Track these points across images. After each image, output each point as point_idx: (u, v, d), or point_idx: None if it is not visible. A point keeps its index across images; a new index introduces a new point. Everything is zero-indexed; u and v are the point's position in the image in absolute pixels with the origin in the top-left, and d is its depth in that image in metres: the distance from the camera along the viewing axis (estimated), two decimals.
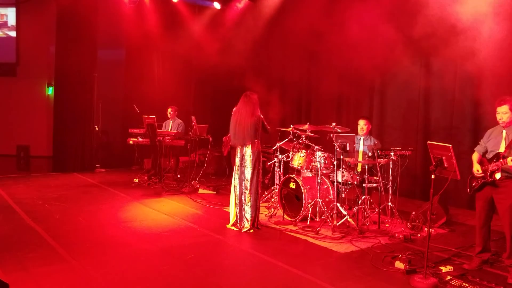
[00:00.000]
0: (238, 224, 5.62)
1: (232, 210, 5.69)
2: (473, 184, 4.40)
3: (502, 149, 4.24)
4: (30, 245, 4.73)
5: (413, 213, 5.75)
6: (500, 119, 4.27)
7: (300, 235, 5.42)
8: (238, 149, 5.65)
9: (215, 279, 4.02)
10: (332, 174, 6.17)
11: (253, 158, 5.59)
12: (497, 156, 4.19)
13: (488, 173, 4.22)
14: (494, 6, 5.87)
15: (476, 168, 4.33)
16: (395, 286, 3.95)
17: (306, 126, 6.44)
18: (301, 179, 6.05)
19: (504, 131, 4.29)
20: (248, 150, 5.60)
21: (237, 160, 5.65)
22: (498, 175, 4.15)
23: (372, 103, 8.49)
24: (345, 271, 4.29)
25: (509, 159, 3.97)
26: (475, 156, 4.48)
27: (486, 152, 4.44)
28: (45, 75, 10.87)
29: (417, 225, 5.63)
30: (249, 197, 5.58)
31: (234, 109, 5.74)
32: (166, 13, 10.82)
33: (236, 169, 5.66)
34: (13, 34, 11.20)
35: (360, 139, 6.38)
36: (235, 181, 5.67)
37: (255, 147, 5.61)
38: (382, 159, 5.80)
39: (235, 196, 5.66)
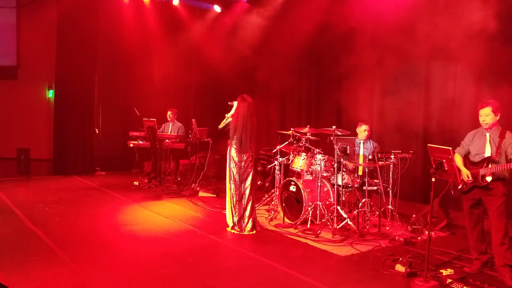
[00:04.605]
0: (236, 227, 5.62)
1: (231, 213, 5.69)
2: (459, 187, 4.38)
3: (488, 152, 4.26)
4: (30, 248, 4.74)
5: (414, 216, 5.75)
6: (483, 121, 4.30)
7: (300, 238, 5.41)
8: (236, 153, 5.65)
9: (215, 282, 4.01)
10: (333, 177, 6.17)
11: (251, 160, 5.69)
12: (487, 160, 4.22)
13: (480, 177, 4.23)
14: (495, 10, 5.89)
15: (466, 173, 4.30)
16: None
17: (306, 129, 6.45)
18: (301, 182, 6.05)
19: (487, 134, 4.31)
20: (248, 154, 5.65)
21: (237, 162, 5.65)
22: (489, 178, 4.20)
23: (372, 106, 8.50)
24: (345, 274, 4.29)
25: None
26: (459, 159, 4.46)
27: (467, 154, 4.46)
28: (46, 78, 10.87)
29: (417, 228, 5.63)
30: (249, 198, 5.62)
31: (233, 112, 5.74)
32: (167, 17, 10.85)
33: (235, 172, 5.66)
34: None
35: (360, 142, 6.39)
36: (235, 184, 5.66)
37: (253, 151, 5.71)
38: (382, 162, 5.81)
39: (235, 198, 5.65)
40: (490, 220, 4.28)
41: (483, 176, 4.22)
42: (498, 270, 4.23)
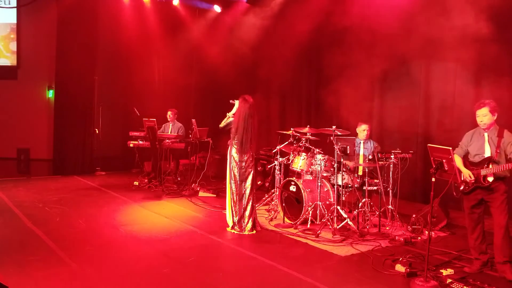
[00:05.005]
0: (236, 227, 5.62)
1: (231, 212, 5.69)
2: (461, 188, 4.40)
3: (487, 152, 4.28)
4: (30, 248, 4.73)
5: (414, 216, 5.75)
6: (481, 121, 4.32)
7: (300, 238, 5.41)
8: (237, 153, 5.65)
9: (216, 282, 4.01)
10: (333, 177, 6.17)
11: (252, 160, 5.71)
12: (488, 160, 4.24)
13: (482, 178, 4.24)
14: (494, 11, 5.89)
15: (468, 174, 4.32)
16: None
17: (306, 129, 6.45)
18: (301, 182, 6.05)
19: (486, 134, 4.33)
20: (249, 154, 5.67)
21: (237, 162, 5.65)
22: (490, 179, 4.22)
23: (373, 106, 8.49)
24: (345, 274, 4.28)
25: None
26: (459, 160, 4.47)
27: (466, 154, 4.48)
28: (46, 78, 10.86)
29: (417, 228, 5.63)
30: (250, 198, 5.64)
31: (235, 112, 5.74)
32: (167, 17, 10.85)
33: (236, 172, 5.67)
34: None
35: (360, 142, 6.39)
36: (235, 183, 5.67)
37: (253, 151, 5.73)
38: (382, 162, 5.81)
39: (235, 198, 5.66)
40: (493, 218, 4.30)
41: (485, 177, 4.23)
42: (498, 267, 4.25)
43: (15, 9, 10.97)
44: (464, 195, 4.43)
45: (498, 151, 4.20)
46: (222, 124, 5.86)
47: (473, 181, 4.28)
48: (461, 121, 7.04)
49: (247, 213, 5.62)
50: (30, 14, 10.81)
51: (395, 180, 5.85)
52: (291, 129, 6.74)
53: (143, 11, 10.71)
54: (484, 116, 4.28)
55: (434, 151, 4.27)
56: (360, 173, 6.22)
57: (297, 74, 10.04)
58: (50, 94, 10.79)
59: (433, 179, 4.04)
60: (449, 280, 4.03)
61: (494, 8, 5.89)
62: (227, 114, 5.86)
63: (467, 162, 4.44)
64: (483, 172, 4.22)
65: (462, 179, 4.38)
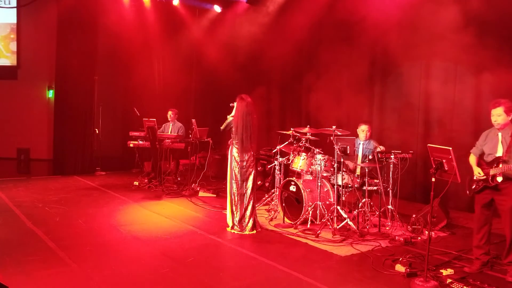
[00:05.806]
0: (236, 227, 5.62)
1: (231, 213, 5.70)
2: (473, 187, 4.41)
3: (499, 152, 4.27)
4: (30, 248, 4.73)
5: (414, 216, 5.75)
6: (495, 121, 4.31)
7: (300, 238, 5.41)
8: (238, 152, 5.66)
9: (215, 283, 4.01)
10: (333, 177, 6.17)
11: (253, 160, 5.71)
12: (497, 160, 4.23)
13: (490, 177, 4.24)
14: (496, 9, 5.89)
15: (478, 171, 4.34)
16: None
17: (306, 129, 6.45)
18: (301, 182, 6.05)
19: (499, 134, 4.32)
20: (250, 154, 5.67)
21: (238, 162, 5.66)
22: (499, 179, 4.20)
23: (372, 106, 8.49)
24: (345, 274, 4.28)
25: None
26: (473, 159, 4.50)
27: (482, 154, 4.48)
28: (46, 78, 10.88)
29: (417, 228, 5.63)
30: (251, 198, 5.64)
31: (234, 113, 5.74)
32: (167, 17, 10.86)
33: (237, 171, 5.67)
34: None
35: (360, 143, 6.39)
36: (236, 183, 5.67)
37: (254, 150, 5.73)
38: (382, 161, 5.81)
39: (236, 198, 5.66)
40: (502, 220, 4.28)
41: (493, 176, 4.22)
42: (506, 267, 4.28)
43: (15, 9, 10.98)
44: (475, 194, 4.44)
45: (509, 151, 4.18)
46: (223, 126, 5.86)
47: (483, 178, 4.28)
48: (461, 121, 7.04)
49: (248, 213, 5.63)
50: (30, 14, 10.82)
51: (395, 180, 5.85)
52: (291, 129, 6.74)
53: (143, 11, 10.71)
54: (498, 116, 4.27)
55: (434, 151, 4.27)
56: (358, 173, 6.22)
57: (297, 74, 10.04)
58: (50, 94, 10.80)
59: (433, 179, 4.04)
60: (449, 280, 4.04)
61: (495, 8, 5.89)
62: (228, 116, 5.85)
63: (482, 161, 4.44)
64: (492, 171, 4.22)
65: (475, 178, 4.39)
